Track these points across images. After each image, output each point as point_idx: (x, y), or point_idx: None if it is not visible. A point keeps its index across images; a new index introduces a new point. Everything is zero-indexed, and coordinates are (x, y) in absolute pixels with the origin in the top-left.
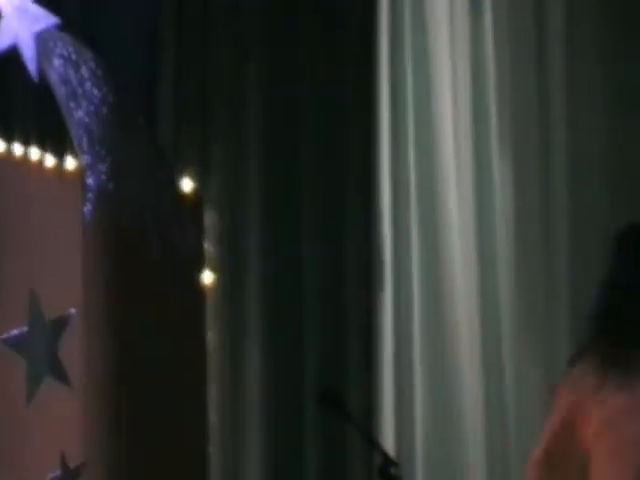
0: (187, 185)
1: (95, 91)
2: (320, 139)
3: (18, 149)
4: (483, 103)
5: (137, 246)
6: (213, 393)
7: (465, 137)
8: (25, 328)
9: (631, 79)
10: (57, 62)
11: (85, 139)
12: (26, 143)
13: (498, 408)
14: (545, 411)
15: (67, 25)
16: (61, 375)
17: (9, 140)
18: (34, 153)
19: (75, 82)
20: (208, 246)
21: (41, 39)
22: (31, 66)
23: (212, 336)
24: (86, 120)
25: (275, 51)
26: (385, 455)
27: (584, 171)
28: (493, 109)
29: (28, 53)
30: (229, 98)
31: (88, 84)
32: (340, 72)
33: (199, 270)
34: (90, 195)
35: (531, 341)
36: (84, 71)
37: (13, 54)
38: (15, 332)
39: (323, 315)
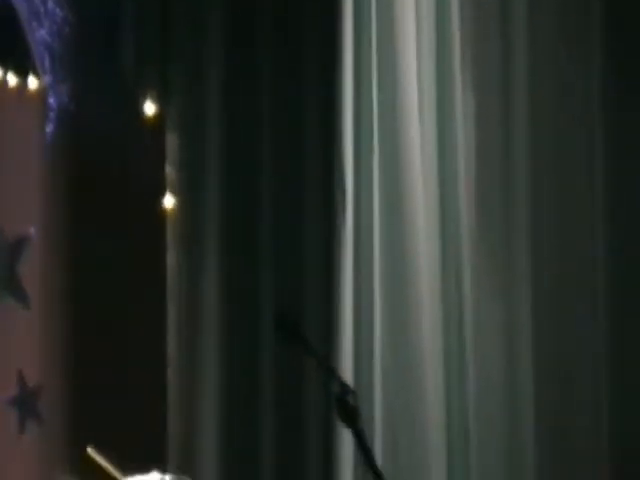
0: (149, 108)
1: (57, 10)
2: (282, 67)
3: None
4: (446, 39)
5: (97, 168)
6: (171, 315)
7: (428, 73)
8: None
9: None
10: None
11: (47, 59)
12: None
13: (456, 339)
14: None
15: None
16: (20, 295)
17: None
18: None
19: (37, 0)
20: (169, 169)
21: None
22: None
23: (171, 258)
24: (48, 39)
25: None
26: (342, 383)
27: (544, 110)
28: (456, 48)
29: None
30: (191, 19)
31: (50, 2)
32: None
33: (159, 193)
34: (52, 115)
35: (491, 276)
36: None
37: None
38: None
39: (282, 246)
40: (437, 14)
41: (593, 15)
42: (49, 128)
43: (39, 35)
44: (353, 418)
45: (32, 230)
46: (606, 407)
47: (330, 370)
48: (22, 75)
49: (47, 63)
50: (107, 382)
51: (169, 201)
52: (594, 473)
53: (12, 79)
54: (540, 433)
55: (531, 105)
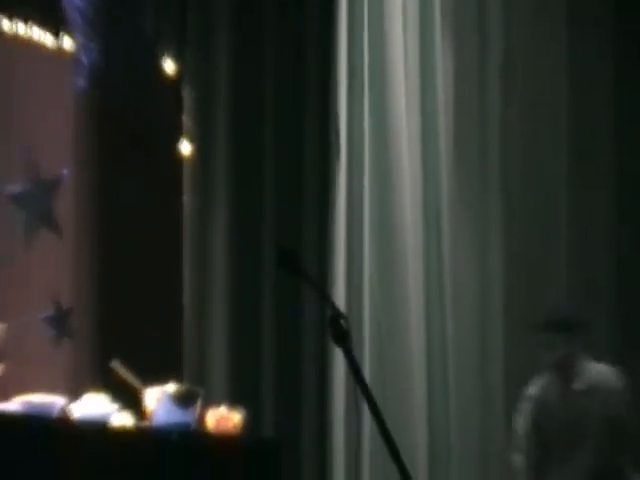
0: (169, 66)
1: None
2: (284, 30)
3: (26, 31)
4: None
5: (123, 117)
6: (186, 245)
7: (413, 32)
8: (24, 185)
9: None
10: None
11: (80, 22)
12: (33, 25)
13: (436, 265)
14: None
15: None
16: (54, 227)
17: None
18: (38, 34)
19: None
20: (185, 119)
21: None
22: None
23: (187, 196)
24: (80, 5)
25: None
26: (335, 309)
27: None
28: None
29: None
30: None
31: None
32: None
33: (177, 140)
34: (83, 70)
35: (467, 208)
36: None
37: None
38: (15, 188)
39: (282, 187)
40: None
41: None
42: (81, 81)
43: (74, 2)
44: (344, 339)
45: (65, 170)
46: None
47: (325, 297)
48: (58, 35)
49: (80, 26)
50: (130, 304)
51: (186, 147)
52: None
53: (50, 39)
54: (508, 344)
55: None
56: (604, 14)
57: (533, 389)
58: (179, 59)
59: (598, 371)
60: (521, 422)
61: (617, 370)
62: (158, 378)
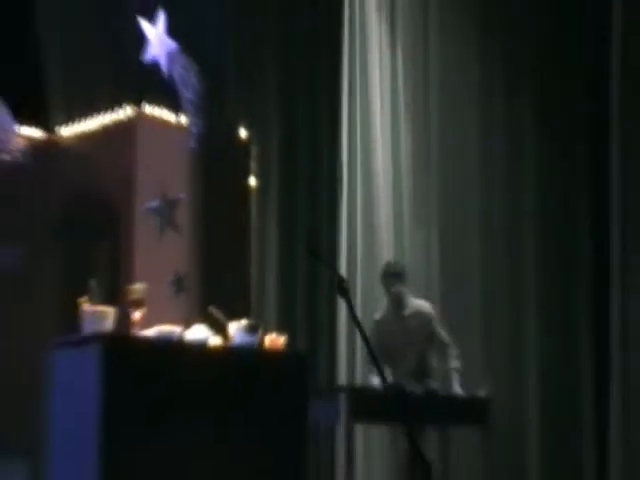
0: (243, 132)
1: (195, 82)
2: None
3: (162, 113)
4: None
5: (215, 163)
6: (251, 244)
7: None
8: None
9: None
10: (177, 67)
11: (191, 107)
12: (166, 108)
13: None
14: None
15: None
16: (175, 227)
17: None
18: (168, 115)
19: (186, 77)
20: (252, 165)
21: (170, 55)
22: (165, 69)
23: (252, 213)
24: (191, 97)
25: None
26: (341, 276)
27: None
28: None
29: (164, 63)
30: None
31: (192, 78)
32: None
33: (247, 177)
34: (194, 137)
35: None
36: (190, 72)
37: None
38: (154, 204)
39: (312, 205)
40: None
41: None
42: (191, 142)
43: (187, 95)
44: (346, 293)
45: (182, 194)
46: None
47: (334, 270)
48: (178, 115)
49: (191, 109)
50: (219, 272)
51: (252, 181)
52: None
53: (174, 117)
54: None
55: None
56: None
57: (377, 315)
58: (248, 130)
59: (418, 303)
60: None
61: (430, 303)
62: (236, 316)
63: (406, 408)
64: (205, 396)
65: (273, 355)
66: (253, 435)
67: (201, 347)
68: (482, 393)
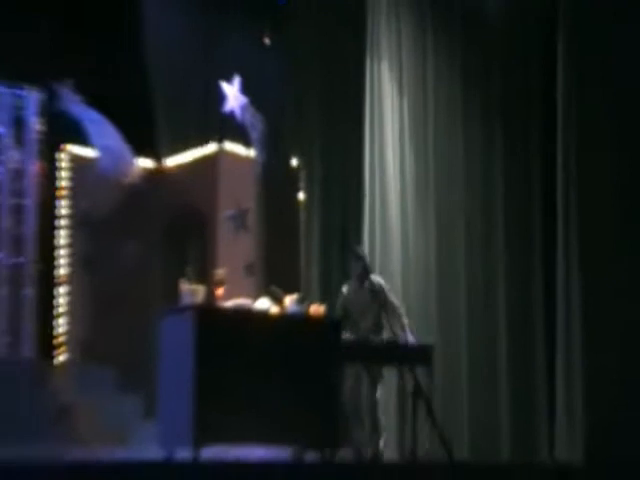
0: (294, 161)
1: (260, 126)
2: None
3: (237, 148)
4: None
5: (274, 183)
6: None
7: None
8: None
9: None
10: (247, 115)
11: (257, 144)
12: (239, 145)
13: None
14: None
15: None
16: (246, 228)
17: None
18: (241, 150)
19: (253, 122)
20: (301, 184)
21: (242, 107)
22: (239, 117)
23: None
24: (257, 136)
25: None
26: (364, 262)
27: None
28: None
29: (238, 112)
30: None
31: (258, 123)
32: None
33: (297, 192)
34: (259, 165)
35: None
36: (256, 119)
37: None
38: (230, 212)
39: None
40: None
41: None
42: (258, 169)
43: (255, 134)
44: (367, 274)
45: (251, 205)
46: None
47: (360, 258)
48: (248, 148)
49: (257, 144)
50: (278, 260)
51: (301, 196)
52: None
53: (245, 151)
54: None
55: None
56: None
57: (344, 288)
58: (298, 159)
59: (376, 279)
60: (338, 309)
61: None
62: (289, 292)
63: (371, 353)
64: (266, 347)
65: (316, 320)
66: (300, 375)
67: (264, 314)
68: (427, 341)
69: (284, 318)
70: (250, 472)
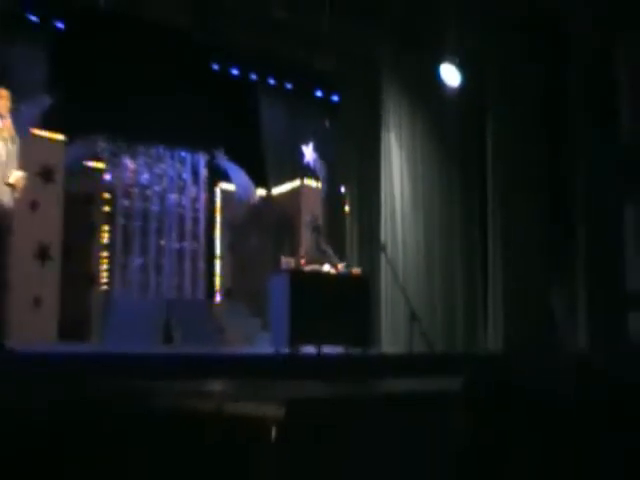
0: (342, 189)
1: (324, 170)
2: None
3: (312, 182)
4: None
5: (331, 203)
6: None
7: None
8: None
9: None
10: (317, 164)
11: (322, 179)
12: (313, 180)
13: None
14: None
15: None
16: (322, 233)
17: (310, 180)
18: (314, 183)
19: (320, 167)
20: (346, 203)
21: (314, 159)
22: (312, 165)
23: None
24: (322, 175)
25: None
26: (383, 245)
27: None
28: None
29: (312, 162)
30: None
31: (323, 169)
32: None
33: (344, 207)
34: (324, 192)
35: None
36: (321, 165)
37: (307, 164)
38: (309, 220)
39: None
40: None
41: None
42: (323, 195)
43: (321, 174)
44: (385, 254)
45: (319, 214)
46: None
47: (380, 244)
48: (318, 183)
49: (322, 180)
50: (336, 244)
51: (347, 209)
52: None
53: (316, 184)
54: None
55: None
56: None
57: (301, 250)
58: (344, 186)
59: (325, 245)
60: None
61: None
62: (340, 261)
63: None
64: (329, 290)
65: (355, 277)
66: (348, 303)
67: (327, 273)
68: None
69: (338, 276)
70: (324, 361)
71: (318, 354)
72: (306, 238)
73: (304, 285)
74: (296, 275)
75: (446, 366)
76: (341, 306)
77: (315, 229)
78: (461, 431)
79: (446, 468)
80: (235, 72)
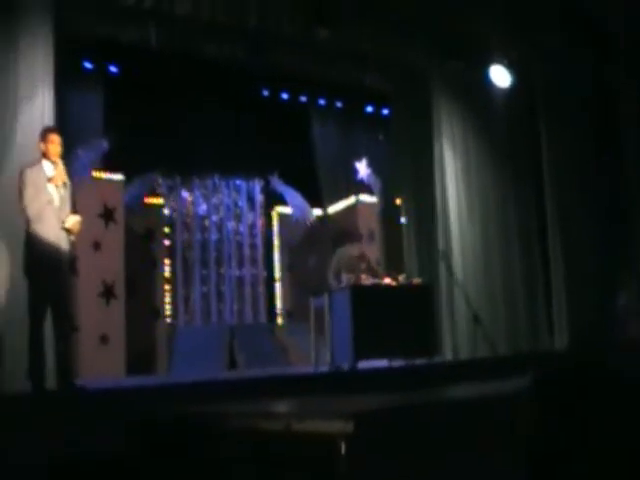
0: (397, 201)
1: (378, 184)
2: None
3: (367, 198)
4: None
5: (385, 216)
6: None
7: None
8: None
9: None
10: (371, 179)
11: (377, 194)
12: (368, 196)
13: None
14: None
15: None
16: (374, 239)
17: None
18: (369, 198)
19: (375, 183)
20: (402, 214)
21: (368, 175)
22: (366, 181)
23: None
24: (377, 190)
25: None
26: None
27: None
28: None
29: (366, 179)
30: None
31: (377, 183)
32: None
33: (400, 217)
34: (379, 206)
35: None
36: (376, 180)
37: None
38: (363, 231)
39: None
40: None
41: None
42: (380, 208)
43: (375, 189)
44: (448, 261)
45: (376, 228)
46: None
47: (440, 251)
48: (373, 197)
49: (377, 195)
50: (393, 255)
51: (403, 220)
52: None
53: (371, 199)
54: None
55: None
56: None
57: (338, 251)
58: (400, 200)
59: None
60: (332, 267)
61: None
62: (400, 273)
63: None
64: (390, 301)
65: (415, 287)
66: (409, 313)
67: (388, 285)
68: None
69: (399, 286)
70: (387, 374)
71: (387, 367)
72: (364, 249)
73: (365, 298)
74: (357, 290)
75: (512, 368)
76: (403, 317)
77: (370, 240)
78: (531, 424)
79: (518, 466)
80: (285, 96)
